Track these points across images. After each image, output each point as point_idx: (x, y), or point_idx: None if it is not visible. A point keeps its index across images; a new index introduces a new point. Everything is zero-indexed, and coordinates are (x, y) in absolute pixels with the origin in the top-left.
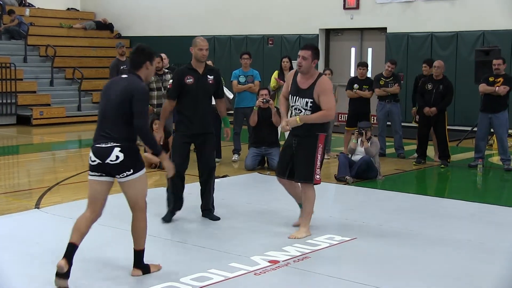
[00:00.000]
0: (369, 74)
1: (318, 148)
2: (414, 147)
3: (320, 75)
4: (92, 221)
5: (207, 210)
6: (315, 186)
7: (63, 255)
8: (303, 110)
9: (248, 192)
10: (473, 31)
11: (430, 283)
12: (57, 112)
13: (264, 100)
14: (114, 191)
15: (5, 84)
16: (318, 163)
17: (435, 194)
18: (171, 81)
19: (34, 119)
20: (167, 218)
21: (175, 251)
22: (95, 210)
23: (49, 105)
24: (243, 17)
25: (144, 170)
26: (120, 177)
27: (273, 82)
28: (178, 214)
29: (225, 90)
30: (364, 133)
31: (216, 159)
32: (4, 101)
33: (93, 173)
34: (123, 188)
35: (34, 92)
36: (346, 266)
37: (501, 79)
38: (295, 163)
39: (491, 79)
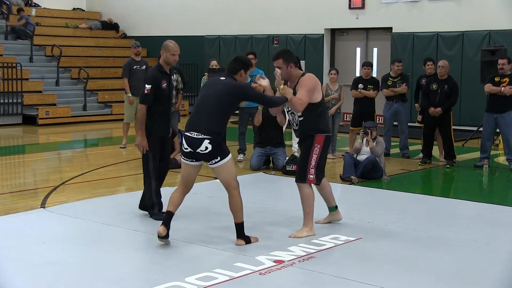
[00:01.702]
0: (374, 74)
1: (314, 148)
2: (420, 147)
3: (303, 74)
4: (184, 194)
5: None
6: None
7: (161, 223)
8: (295, 113)
9: (253, 192)
10: (479, 31)
11: (435, 283)
12: (62, 112)
13: None
14: (116, 192)
15: (11, 84)
16: (313, 163)
17: (440, 194)
18: (148, 86)
19: (40, 118)
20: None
21: (180, 250)
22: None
23: (55, 104)
24: (249, 17)
25: (229, 156)
26: (210, 164)
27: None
28: (181, 214)
29: None
30: (369, 133)
31: None
32: (10, 100)
33: (185, 158)
34: (214, 172)
35: (40, 92)
36: (351, 266)
37: (507, 79)
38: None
39: (496, 79)
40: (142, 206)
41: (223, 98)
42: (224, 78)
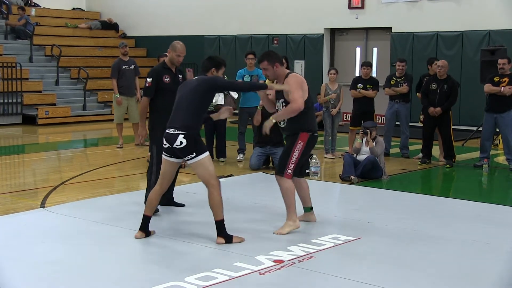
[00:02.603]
0: (374, 74)
1: (297, 144)
2: (420, 147)
3: (288, 73)
4: (161, 194)
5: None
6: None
7: (139, 228)
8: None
9: (253, 192)
10: (478, 31)
11: (435, 283)
12: (62, 112)
13: None
14: (115, 191)
15: (11, 84)
16: (294, 158)
17: (440, 194)
18: (149, 79)
19: (40, 118)
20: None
21: (179, 250)
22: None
23: (54, 104)
24: (248, 17)
25: (205, 154)
26: (187, 160)
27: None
28: (183, 213)
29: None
30: (369, 132)
31: (221, 159)
32: (10, 100)
33: (165, 154)
34: (192, 169)
35: (40, 91)
36: (351, 265)
37: (506, 79)
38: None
39: (496, 79)
40: (164, 201)
41: (196, 94)
42: (196, 77)
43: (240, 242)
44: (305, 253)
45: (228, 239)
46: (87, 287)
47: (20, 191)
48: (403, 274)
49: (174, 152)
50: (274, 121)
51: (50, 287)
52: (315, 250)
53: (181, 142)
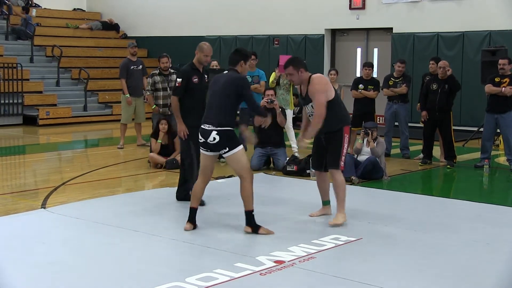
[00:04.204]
0: (374, 75)
1: (344, 138)
2: (421, 147)
3: (310, 77)
4: (205, 184)
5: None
6: None
7: (187, 220)
8: (312, 115)
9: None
10: (479, 31)
11: (435, 283)
12: (63, 112)
13: (269, 100)
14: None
15: (12, 84)
16: (344, 151)
17: (441, 194)
18: (179, 79)
19: (40, 119)
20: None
21: (180, 251)
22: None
23: (55, 105)
24: (249, 18)
25: (238, 148)
26: (222, 154)
27: (272, 77)
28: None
29: None
30: (370, 133)
31: (222, 159)
32: (11, 101)
33: (202, 148)
34: (227, 162)
35: (41, 92)
36: (351, 266)
37: (507, 80)
38: (327, 155)
39: (497, 79)
40: (181, 197)
41: (227, 91)
42: (227, 72)
43: (267, 234)
44: (306, 254)
45: (255, 228)
46: None
47: (21, 192)
48: (404, 275)
49: (209, 147)
50: (308, 141)
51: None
52: (316, 251)
53: (214, 138)
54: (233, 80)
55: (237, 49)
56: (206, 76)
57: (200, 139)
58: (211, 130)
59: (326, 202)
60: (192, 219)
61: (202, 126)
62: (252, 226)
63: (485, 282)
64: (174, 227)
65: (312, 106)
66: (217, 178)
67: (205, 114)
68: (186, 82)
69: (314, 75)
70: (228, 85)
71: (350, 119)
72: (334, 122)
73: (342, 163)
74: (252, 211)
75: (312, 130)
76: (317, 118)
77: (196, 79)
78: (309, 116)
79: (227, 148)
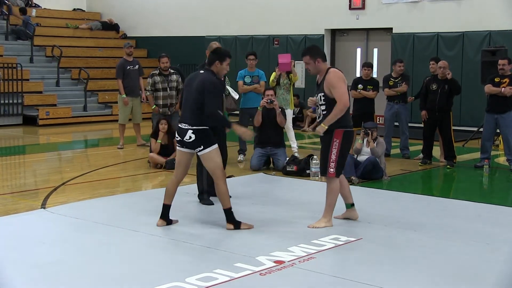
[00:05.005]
0: (374, 75)
1: (333, 143)
2: (420, 147)
3: (328, 69)
4: (178, 183)
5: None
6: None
7: (159, 216)
8: (320, 105)
9: (253, 193)
10: (479, 31)
11: (435, 283)
12: (63, 112)
13: (269, 101)
14: (116, 192)
15: (12, 84)
16: (333, 157)
17: (440, 194)
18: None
19: (40, 119)
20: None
21: (180, 251)
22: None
23: (55, 105)
24: (249, 18)
25: (213, 147)
26: (197, 152)
27: (272, 76)
28: (182, 214)
29: (231, 90)
30: (370, 133)
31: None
32: (11, 101)
33: (178, 145)
34: (201, 160)
35: (40, 92)
36: (351, 266)
37: (507, 80)
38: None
39: (496, 79)
40: (213, 192)
41: (197, 95)
42: (202, 72)
43: (248, 228)
44: (305, 254)
45: (237, 225)
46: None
47: (21, 192)
48: (404, 275)
49: (184, 144)
50: (326, 127)
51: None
52: (315, 251)
53: (190, 137)
54: (203, 82)
55: (216, 49)
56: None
57: (177, 137)
58: (187, 129)
59: (348, 206)
60: (164, 216)
61: (179, 125)
62: (233, 222)
63: (485, 282)
64: (174, 228)
65: (321, 97)
66: None
67: (182, 114)
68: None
69: (332, 68)
70: (199, 86)
71: (348, 124)
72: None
73: (331, 170)
74: (230, 208)
75: (331, 117)
76: (340, 105)
77: None
78: (319, 105)
79: (201, 146)
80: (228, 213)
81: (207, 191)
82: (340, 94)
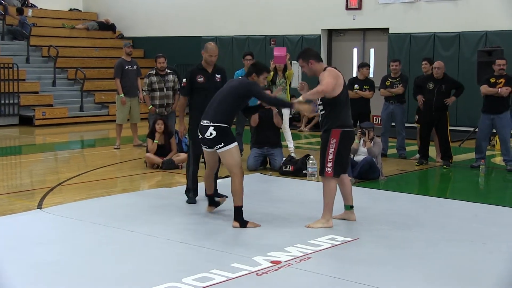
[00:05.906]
0: (371, 75)
1: (330, 142)
2: (416, 147)
3: (325, 68)
4: (212, 176)
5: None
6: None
7: (207, 204)
8: (318, 105)
9: (250, 193)
10: (475, 32)
11: (432, 283)
12: (59, 113)
13: None
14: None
15: (8, 85)
16: (330, 157)
17: (437, 194)
18: (184, 79)
19: (37, 119)
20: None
21: (177, 251)
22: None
23: (51, 105)
24: (246, 18)
25: (233, 144)
26: (216, 149)
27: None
28: (180, 215)
29: None
30: (367, 133)
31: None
32: (7, 101)
33: (202, 145)
34: (220, 157)
35: (37, 92)
36: (348, 266)
37: (502, 80)
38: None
39: (492, 80)
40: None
41: (231, 94)
42: (241, 77)
43: (254, 227)
44: (302, 254)
45: (243, 224)
46: None
47: (17, 192)
48: (400, 275)
49: (206, 142)
50: (303, 100)
51: None
52: (312, 251)
53: (211, 133)
54: (243, 85)
55: (254, 63)
56: (218, 75)
57: (198, 135)
58: (208, 126)
59: (347, 207)
60: (211, 203)
61: (201, 123)
62: (240, 221)
63: (482, 282)
64: (170, 228)
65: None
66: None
67: (205, 111)
68: (190, 81)
69: (329, 67)
70: (237, 89)
71: (346, 124)
72: (328, 120)
73: (329, 169)
74: (241, 207)
75: (310, 94)
76: (321, 87)
77: (202, 79)
78: (317, 105)
79: (222, 143)
80: (238, 211)
81: (194, 188)
82: (326, 81)
